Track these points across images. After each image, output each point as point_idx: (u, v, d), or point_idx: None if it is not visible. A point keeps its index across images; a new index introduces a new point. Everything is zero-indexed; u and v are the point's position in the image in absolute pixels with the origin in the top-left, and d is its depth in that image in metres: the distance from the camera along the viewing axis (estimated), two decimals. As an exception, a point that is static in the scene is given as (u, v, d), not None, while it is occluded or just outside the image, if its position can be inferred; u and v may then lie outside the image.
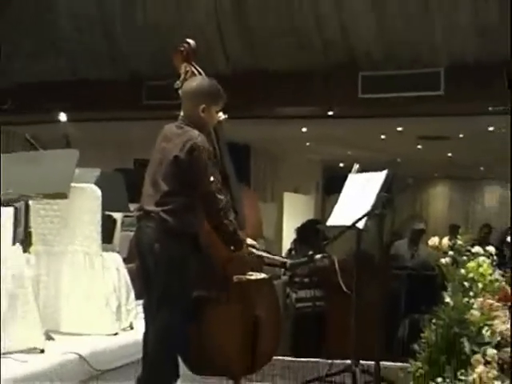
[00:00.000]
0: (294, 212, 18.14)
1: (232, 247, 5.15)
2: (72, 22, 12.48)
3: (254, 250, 5.26)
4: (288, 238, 15.46)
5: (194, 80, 5.39)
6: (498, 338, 4.01)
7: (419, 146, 16.96)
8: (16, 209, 6.67)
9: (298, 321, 10.28)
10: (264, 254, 5.43)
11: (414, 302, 10.35)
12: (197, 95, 5.23)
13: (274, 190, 17.59)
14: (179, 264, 4.94)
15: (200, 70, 5.55)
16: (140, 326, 5.61)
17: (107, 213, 7.94)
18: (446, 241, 4.56)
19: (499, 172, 21.59)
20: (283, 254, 13.99)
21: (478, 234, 15.15)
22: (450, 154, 18.29)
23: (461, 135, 15.39)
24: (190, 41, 5.60)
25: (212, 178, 4.96)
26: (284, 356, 6.86)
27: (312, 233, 10.70)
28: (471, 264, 4.42)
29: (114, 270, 6.91)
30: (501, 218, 20.05)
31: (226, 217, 5.02)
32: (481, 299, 4.20)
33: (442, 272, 4.56)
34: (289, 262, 5.99)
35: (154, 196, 5.03)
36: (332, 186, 16.20)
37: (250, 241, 5.23)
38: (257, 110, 12.49)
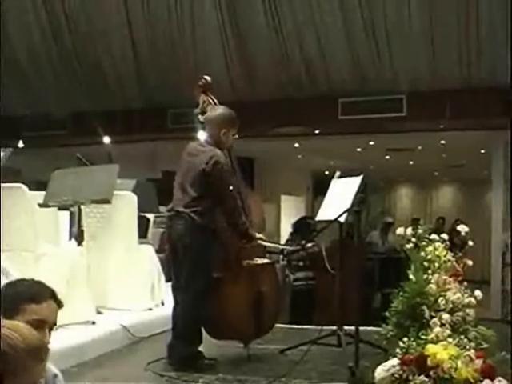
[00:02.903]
0: (289, 210, 18.11)
1: (244, 241, 5.18)
2: (112, 68, 12.55)
3: (261, 242, 5.29)
4: (285, 230, 15.43)
5: (217, 109, 5.38)
6: (451, 306, 4.03)
7: (387, 157, 16.93)
8: (71, 212, 6.72)
9: (295, 296, 10.26)
10: (269, 244, 5.44)
11: (385, 279, 10.36)
12: (219, 122, 5.24)
13: (272, 193, 17.54)
14: (202, 252, 4.97)
15: (215, 99, 5.54)
16: (169, 303, 5.63)
17: (142, 214, 7.97)
18: (409, 230, 4.58)
19: (450, 176, 21.63)
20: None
21: (434, 225, 15.12)
22: (411, 163, 18.25)
23: (420, 147, 15.37)
24: (207, 77, 5.60)
25: (231, 188, 5.01)
26: (284, 324, 6.88)
27: (304, 226, 10.68)
28: (429, 248, 4.44)
29: (148, 258, 6.94)
30: (451, 212, 20.06)
31: (240, 217, 5.07)
32: (437, 275, 4.22)
33: (406, 255, 4.57)
34: (287, 248, 6.02)
35: (182, 199, 5.05)
36: (319, 189, 16.21)
37: (258, 235, 5.23)
38: (258, 130, 12.47)
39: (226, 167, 5.05)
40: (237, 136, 5.42)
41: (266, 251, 5.72)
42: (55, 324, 2.68)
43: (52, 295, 2.69)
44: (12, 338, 1.98)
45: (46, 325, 2.60)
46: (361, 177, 5.40)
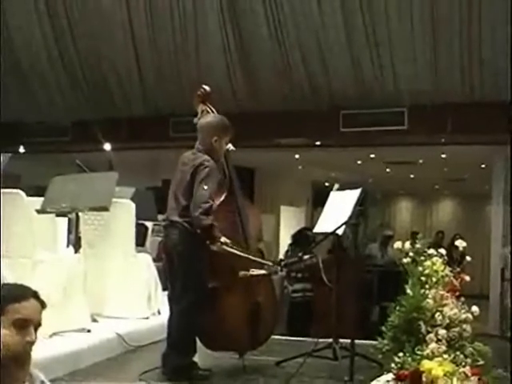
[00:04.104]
0: (289, 221, 18.11)
1: (207, 241, 4.96)
2: (115, 76, 12.58)
3: (226, 248, 4.99)
4: (284, 241, 15.42)
5: (208, 116, 5.37)
6: (447, 321, 4.00)
7: (388, 170, 16.94)
8: (69, 219, 6.69)
9: (292, 308, 10.25)
10: (236, 252, 5.10)
11: (384, 292, 10.33)
12: (210, 129, 5.21)
13: (272, 203, 17.54)
14: (195, 261, 4.93)
15: (213, 109, 5.51)
16: (166, 312, 5.59)
17: (140, 222, 7.94)
18: (407, 244, 4.54)
19: (450, 190, 21.63)
20: (281, 255, 14.00)
21: (433, 239, 15.12)
22: (412, 176, 18.27)
23: (420, 161, 15.38)
24: (206, 87, 5.58)
25: (205, 187, 4.90)
26: (282, 335, 6.86)
27: (304, 237, 10.65)
28: (427, 263, 4.40)
29: (145, 267, 6.91)
30: (451, 226, 20.06)
31: (206, 214, 4.82)
32: (434, 290, 4.19)
33: (404, 269, 4.54)
34: (266, 262, 5.85)
35: (176, 209, 5.03)
36: (319, 200, 16.19)
37: (224, 239, 4.97)
38: (259, 141, 12.49)
39: (210, 170, 4.94)
40: (231, 147, 5.38)
41: (263, 263, 5.68)
42: (40, 323, 2.70)
43: (34, 295, 2.73)
44: None
45: (30, 323, 2.64)
46: (359, 190, 5.37)
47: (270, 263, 5.77)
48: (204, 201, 4.84)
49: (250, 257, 5.28)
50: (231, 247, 5.05)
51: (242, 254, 5.17)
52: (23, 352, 2.11)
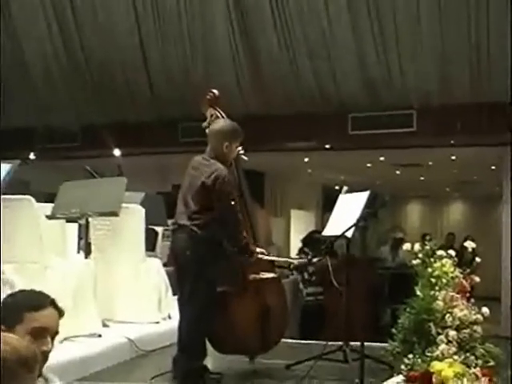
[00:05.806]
0: (299, 225, 18.07)
1: (246, 256, 5.10)
2: (124, 82, 12.63)
3: (262, 256, 5.19)
4: (295, 245, 15.40)
5: (219, 122, 5.36)
6: (457, 322, 3.98)
7: (398, 172, 16.90)
8: (79, 225, 6.70)
9: (305, 311, 10.25)
10: (271, 258, 5.38)
11: (396, 295, 10.29)
12: (221, 135, 5.20)
13: (283, 207, 17.52)
14: (204, 265, 4.93)
15: (223, 113, 5.50)
16: (176, 316, 5.59)
17: (150, 227, 7.93)
18: (417, 246, 4.53)
19: (461, 192, 21.56)
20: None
21: (445, 241, 15.06)
22: (422, 178, 18.22)
23: (430, 163, 15.33)
24: (215, 90, 5.57)
25: (232, 202, 4.96)
26: (294, 338, 6.87)
27: (314, 241, 10.65)
28: (437, 264, 4.39)
29: (155, 272, 6.91)
30: (462, 228, 19.98)
31: (240, 233, 5.00)
32: (444, 292, 4.18)
33: (415, 271, 4.53)
34: (291, 262, 5.95)
35: (185, 213, 5.03)
36: (329, 203, 16.16)
37: (259, 249, 5.16)
38: (269, 145, 12.48)
39: (227, 182, 4.98)
40: (241, 150, 5.38)
41: (276, 266, 5.69)
42: (57, 332, 2.69)
43: (52, 303, 2.70)
44: (2, 350, 1.98)
45: (47, 332, 2.62)
46: (367, 192, 5.37)
47: (295, 261, 5.83)
48: (237, 219, 4.99)
49: (280, 259, 5.38)
50: (267, 255, 5.25)
51: (276, 259, 5.29)
52: (30, 356, 2.11)
